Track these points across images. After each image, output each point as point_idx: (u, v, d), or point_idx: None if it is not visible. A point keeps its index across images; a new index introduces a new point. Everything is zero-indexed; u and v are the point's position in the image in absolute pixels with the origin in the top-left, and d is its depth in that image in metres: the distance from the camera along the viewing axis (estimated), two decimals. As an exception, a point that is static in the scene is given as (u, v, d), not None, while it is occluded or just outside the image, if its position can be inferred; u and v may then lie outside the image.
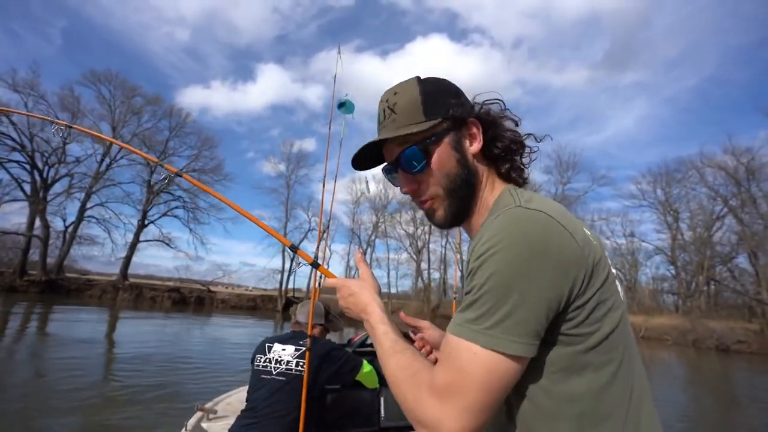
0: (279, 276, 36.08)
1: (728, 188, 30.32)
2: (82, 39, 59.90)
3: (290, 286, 37.38)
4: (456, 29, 75.38)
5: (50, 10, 56.67)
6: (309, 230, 38.52)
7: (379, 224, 38.47)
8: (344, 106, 2.58)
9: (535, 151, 0.75)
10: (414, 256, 37.94)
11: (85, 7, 56.76)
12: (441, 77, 0.76)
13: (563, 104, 68.79)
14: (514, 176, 0.73)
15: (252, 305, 29.65)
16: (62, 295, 25.47)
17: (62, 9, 56.99)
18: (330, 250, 40.52)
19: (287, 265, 36.65)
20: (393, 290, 39.54)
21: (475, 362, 0.54)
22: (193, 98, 61.97)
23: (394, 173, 0.76)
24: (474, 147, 0.71)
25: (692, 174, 32.51)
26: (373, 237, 39.03)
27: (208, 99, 65.57)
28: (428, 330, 0.94)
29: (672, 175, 33.85)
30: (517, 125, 0.74)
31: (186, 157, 35.15)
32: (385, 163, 0.77)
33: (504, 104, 0.74)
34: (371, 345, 0.96)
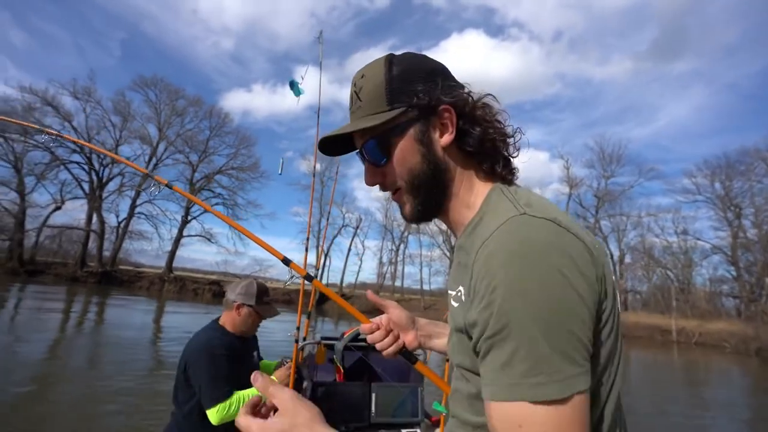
0: (313, 271, 36.82)
1: (801, 180, 27.21)
2: (138, 50, 64.61)
3: (324, 281, 38.16)
4: (492, 25, 73.84)
5: (110, 24, 61.60)
6: (343, 226, 39.10)
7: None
8: (294, 87, 2.37)
9: (520, 137, 0.67)
10: (447, 253, 37.35)
11: (142, 21, 61.90)
12: (417, 54, 0.67)
13: (608, 96, 64.84)
14: (500, 171, 0.65)
15: (287, 299, 30.41)
16: (116, 286, 27.64)
17: (120, 22, 61.66)
18: (363, 246, 41.05)
19: (311, 259, 37.27)
20: (426, 287, 39.22)
21: (559, 418, 0.45)
22: (236, 101, 65.75)
23: (363, 162, 0.70)
24: (444, 139, 0.63)
25: (758, 165, 29.50)
26: (406, 233, 38.91)
27: (250, 102, 69.27)
28: (394, 309, 0.91)
29: (733, 167, 30.95)
30: (502, 125, 0.66)
31: (225, 156, 36.79)
32: (356, 151, 0.71)
33: (495, 98, 0.66)
34: (364, 340, 0.92)
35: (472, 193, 0.65)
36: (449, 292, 0.67)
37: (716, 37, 54.36)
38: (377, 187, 0.70)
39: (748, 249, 30.08)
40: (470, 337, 0.54)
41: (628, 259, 35.49)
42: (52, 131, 2.41)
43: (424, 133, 0.63)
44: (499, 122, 0.65)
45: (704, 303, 30.85)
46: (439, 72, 0.66)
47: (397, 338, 0.89)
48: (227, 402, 1.73)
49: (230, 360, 1.82)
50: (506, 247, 0.50)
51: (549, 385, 0.45)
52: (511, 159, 0.67)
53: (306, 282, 1.26)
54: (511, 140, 0.66)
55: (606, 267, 0.53)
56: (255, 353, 2.11)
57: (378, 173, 0.67)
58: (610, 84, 61.14)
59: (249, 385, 1.85)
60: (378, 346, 0.89)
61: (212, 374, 1.75)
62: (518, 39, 68.76)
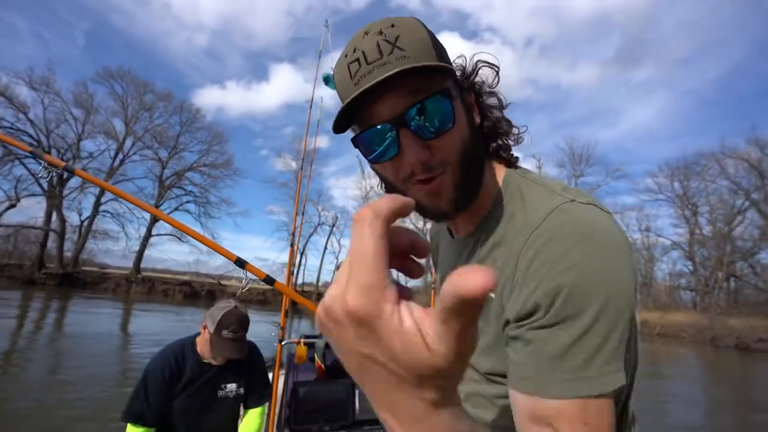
0: (285, 270, 36.31)
1: (751, 181, 29.20)
2: (105, 41, 60.54)
3: (299, 281, 37.67)
4: (466, 30, 75.08)
5: (73, 12, 57.89)
6: (319, 224, 38.70)
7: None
8: (330, 81, 2.42)
9: (523, 132, 0.63)
10: (423, 251, 37.62)
11: (109, 12, 58.04)
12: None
13: (577, 99, 67.50)
14: (504, 155, 0.62)
15: (262, 299, 29.87)
16: (78, 288, 26.17)
17: (85, 11, 58.05)
18: (340, 244, 40.90)
19: (296, 260, 36.84)
20: (402, 284, 39.34)
21: (608, 413, 0.44)
22: (210, 98, 63.31)
23: (380, 139, 0.51)
24: (477, 118, 0.58)
25: (712, 166, 31.43)
26: (382, 232, 38.91)
27: (224, 99, 66.79)
28: None
29: (691, 168, 32.79)
30: (503, 108, 0.62)
31: (196, 152, 35.55)
32: (374, 125, 0.51)
33: (498, 73, 0.60)
34: None
35: (490, 178, 0.59)
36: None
37: (672, 49, 58.23)
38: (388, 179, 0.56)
39: (703, 245, 32.09)
40: (516, 325, 0.48)
41: (595, 256, 36.94)
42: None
43: (468, 105, 0.56)
44: (501, 108, 0.61)
45: (664, 296, 32.67)
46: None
47: None
48: (128, 428, 1.62)
49: (171, 385, 1.68)
50: (575, 232, 0.46)
51: (606, 378, 0.43)
52: (510, 145, 0.63)
53: (266, 285, 1.14)
54: (515, 129, 0.63)
55: None
56: (232, 386, 1.85)
57: (426, 147, 0.51)
58: (579, 88, 63.77)
59: (196, 417, 1.72)
60: None
61: (135, 393, 1.66)
62: (491, 42, 70.44)
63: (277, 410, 2.24)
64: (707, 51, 57.74)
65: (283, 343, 2.45)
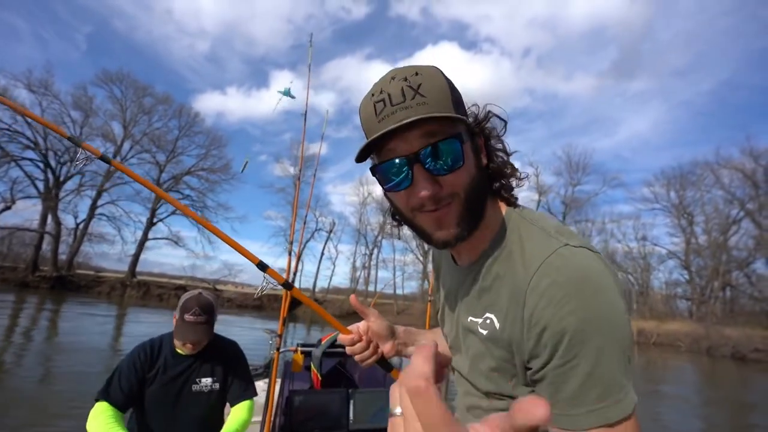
0: (284, 275, 36.16)
1: (745, 191, 29.54)
2: (106, 44, 60.44)
3: (297, 285, 37.42)
4: (465, 40, 76.10)
5: (76, 16, 57.71)
6: (316, 230, 38.62)
7: (386, 225, 38.30)
8: (286, 94, 2.55)
9: (523, 178, 0.70)
10: (420, 258, 37.68)
11: (111, 16, 57.99)
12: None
13: (575, 109, 67.87)
14: (506, 195, 0.69)
15: (258, 304, 29.70)
16: (72, 291, 25.91)
17: (88, 14, 57.69)
18: (337, 250, 40.72)
19: (293, 265, 36.62)
20: (399, 291, 39.31)
21: (633, 427, 0.51)
22: (210, 103, 63.77)
23: (397, 170, 0.59)
24: (484, 159, 0.66)
25: (707, 176, 31.74)
26: (380, 238, 38.91)
27: (225, 104, 67.47)
28: (375, 319, 0.86)
29: (686, 178, 33.08)
30: (508, 154, 0.69)
31: (195, 156, 35.55)
32: (392, 158, 0.60)
33: (506, 124, 0.69)
34: (341, 346, 0.88)
35: (491, 216, 0.66)
36: (471, 319, 0.68)
37: (667, 61, 59.12)
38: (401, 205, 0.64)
39: (699, 254, 32.26)
40: (523, 367, 0.57)
41: (592, 264, 37.01)
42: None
43: (477, 148, 0.64)
44: (505, 153, 0.69)
45: (661, 305, 32.72)
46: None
47: (376, 348, 0.86)
48: (96, 405, 1.64)
49: (143, 371, 1.72)
50: (572, 277, 0.53)
51: (622, 403, 0.50)
52: (512, 187, 0.70)
53: (284, 288, 1.17)
54: (518, 173, 0.70)
55: None
56: (207, 381, 1.82)
57: (436, 182, 0.59)
58: (576, 98, 64.47)
59: (170, 409, 1.74)
60: (357, 357, 0.86)
61: (110, 377, 1.70)
62: (490, 53, 71.40)
63: (272, 418, 2.25)
64: (702, 63, 58.41)
65: (280, 351, 2.46)
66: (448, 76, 0.63)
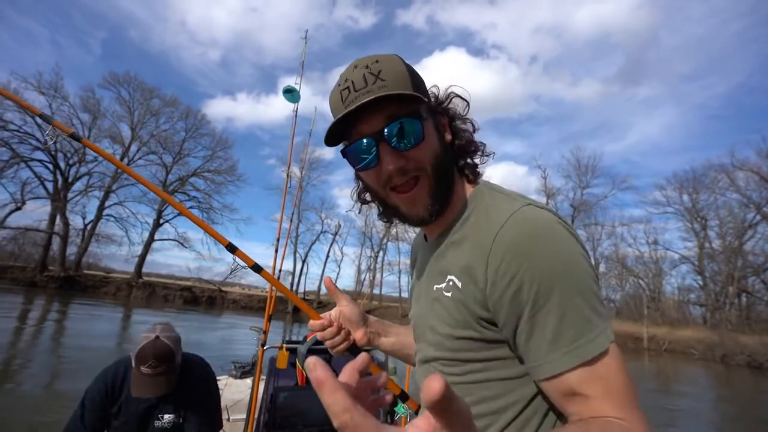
0: (290, 278, 36.12)
1: (762, 194, 28.64)
2: (121, 50, 61.52)
3: (302, 288, 37.37)
4: (472, 47, 76.86)
5: (91, 22, 58.97)
6: (322, 232, 38.53)
7: (392, 227, 38.06)
8: (291, 93, 2.52)
9: (488, 155, 0.74)
10: (426, 261, 37.28)
11: (126, 24, 59.79)
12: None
13: (583, 113, 67.35)
14: (473, 171, 0.71)
15: (263, 306, 29.67)
16: (79, 291, 26.14)
17: (103, 21, 59.15)
18: (342, 252, 40.65)
19: (298, 268, 36.66)
20: (405, 294, 38.99)
21: (614, 362, 0.53)
22: (221, 108, 65.43)
23: (365, 149, 0.63)
24: (447, 136, 0.70)
25: (722, 179, 30.89)
26: (385, 241, 38.68)
27: (235, 109, 69.34)
28: (346, 303, 0.87)
29: (699, 181, 32.27)
30: (474, 130, 0.73)
31: (201, 158, 35.80)
32: (359, 140, 0.63)
33: (469, 105, 0.73)
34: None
35: (459, 191, 0.69)
36: (435, 287, 0.68)
37: (677, 65, 58.88)
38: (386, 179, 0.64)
39: (713, 259, 31.39)
40: (480, 325, 0.59)
41: (602, 268, 36.37)
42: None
43: (439, 126, 0.68)
44: (470, 132, 0.72)
45: (673, 311, 31.91)
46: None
47: (348, 335, 0.86)
48: None
49: (107, 407, 1.61)
50: (529, 232, 0.56)
51: (597, 341, 0.52)
52: (478, 163, 0.72)
53: (253, 271, 1.17)
54: (480, 151, 0.73)
55: None
56: (170, 417, 1.70)
57: (401, 157, 0.62)
58: (584, 103, 64.01)
59: None
60: (328, 343, 0.85)
61: (74, 413, 1.61)
62: (497, 59, 71.46)
63: (256, 415, 2.26)
64: (715, 66, 57.52)
65: (265, 348, 2.46)
66: (408, 63, 0.67)
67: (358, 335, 0.86)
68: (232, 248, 1.19)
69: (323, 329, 0.84)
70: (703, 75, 58.37)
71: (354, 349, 0.87)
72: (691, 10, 61.60)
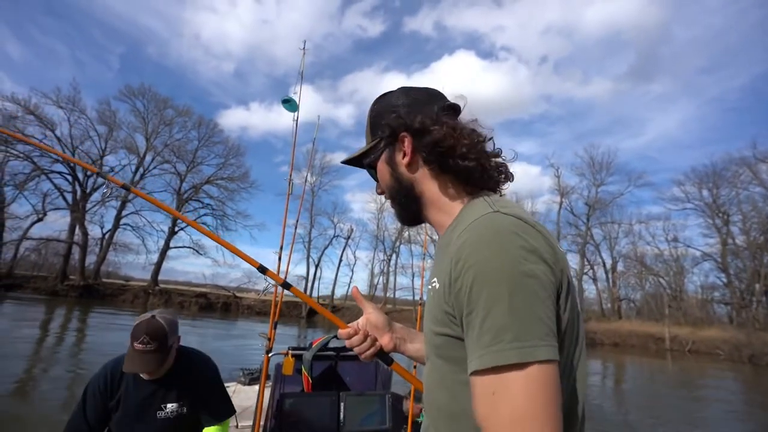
0: (303, 282, 36.26)
1: (787, 187, 27.61)
2: (138, 64, 64.20)
3: (314, 294, 37.46)
4: (481, 49, 77.05)
5: (110, 38, 61.98)
6: (335, 236, 38.66)
7: (404, 230, 37.91)
8: (288, 102, 2.63)
9: (508, 160, 0.76)
10: (439, 263, 37.01)
11: (143, 40, 62.60)
12: (399, 89, 0.80)
13: (597, 110, 66.46)
14: (478, 182, 0.72)
15: (262, 310, 29.80)
16: (98, 299, 26.75)
17: (121, 37, 62.01)
18: (355, 256, 40.60)
19: (311, 272, 36.78)
20: (418, 298, 38.75)
21: (520, 383, 0.50)
22: (235, 118, 67.53)
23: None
24: (404, 160, 0.75)
25: (744, 172, 29.91)
26: (398, 244, 38.57)
27: (249, 119, 71.66)
28: (372, 311, 0.93)
29: (720, 175, 31.28)
30: (484, 140, 0.74)
31: (214, 166, 36.41)
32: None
33: (460, 108, 0.77)
34: (333, 349, 0.87)
35: (450, 201, 0.73)
36: (427, 288, 0.74)
37: (692, 59, 57.64)
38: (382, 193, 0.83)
39: (737, 255, 30.34)
40: (453, 323, 0.61)
41: (620, 267, 35.58)
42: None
43: (391, 157, 0.77)
44: (468, 137, 0.71)
45: (696, 310, 30.91)
46: (410, 104, 0.75)
47: (374, 341, 0.91)
48: None
49: (107, 400, 1.62)
50: (477, 236, 0.58)
51: (509, 351, 0.50)
52: (490, 169, 0.72)
53: (283, 288, 1.27)
54: (485, 151, 0.73)
55: (566, 270, 0.58)
56: (173, 406, 1.66)
57: (378, 185, 0.83)
58: (597, 101, 63.17)
59: None
60: (356, 350, 0.91)
61: (75, 408, 1.62)
62: (506, 60, 71.29)
63: (262, 422, 2.28)
64: (733, 58, 56.13)
65: (270, 355, 2.49)
66: (387, 95, 0.80)
67: (385, 341, 0.91)
68: (263, 269, 1.34)
69: (349, 337, 0.90)
70: (721, 67, 57.10)
71: (383, 355, 0.92)
72: (708, 2, 60.38)
